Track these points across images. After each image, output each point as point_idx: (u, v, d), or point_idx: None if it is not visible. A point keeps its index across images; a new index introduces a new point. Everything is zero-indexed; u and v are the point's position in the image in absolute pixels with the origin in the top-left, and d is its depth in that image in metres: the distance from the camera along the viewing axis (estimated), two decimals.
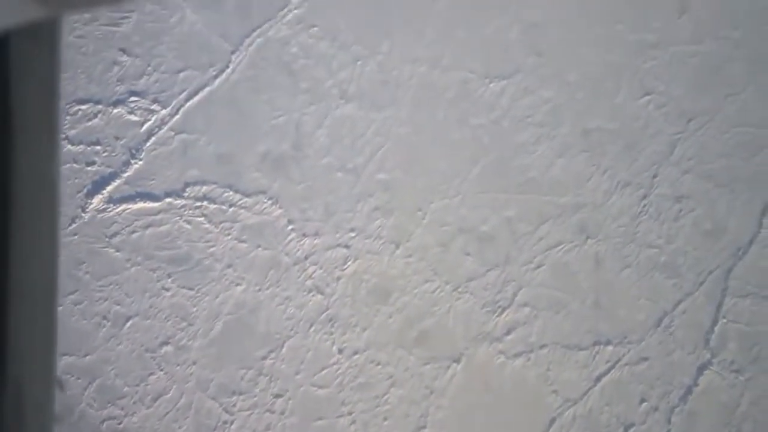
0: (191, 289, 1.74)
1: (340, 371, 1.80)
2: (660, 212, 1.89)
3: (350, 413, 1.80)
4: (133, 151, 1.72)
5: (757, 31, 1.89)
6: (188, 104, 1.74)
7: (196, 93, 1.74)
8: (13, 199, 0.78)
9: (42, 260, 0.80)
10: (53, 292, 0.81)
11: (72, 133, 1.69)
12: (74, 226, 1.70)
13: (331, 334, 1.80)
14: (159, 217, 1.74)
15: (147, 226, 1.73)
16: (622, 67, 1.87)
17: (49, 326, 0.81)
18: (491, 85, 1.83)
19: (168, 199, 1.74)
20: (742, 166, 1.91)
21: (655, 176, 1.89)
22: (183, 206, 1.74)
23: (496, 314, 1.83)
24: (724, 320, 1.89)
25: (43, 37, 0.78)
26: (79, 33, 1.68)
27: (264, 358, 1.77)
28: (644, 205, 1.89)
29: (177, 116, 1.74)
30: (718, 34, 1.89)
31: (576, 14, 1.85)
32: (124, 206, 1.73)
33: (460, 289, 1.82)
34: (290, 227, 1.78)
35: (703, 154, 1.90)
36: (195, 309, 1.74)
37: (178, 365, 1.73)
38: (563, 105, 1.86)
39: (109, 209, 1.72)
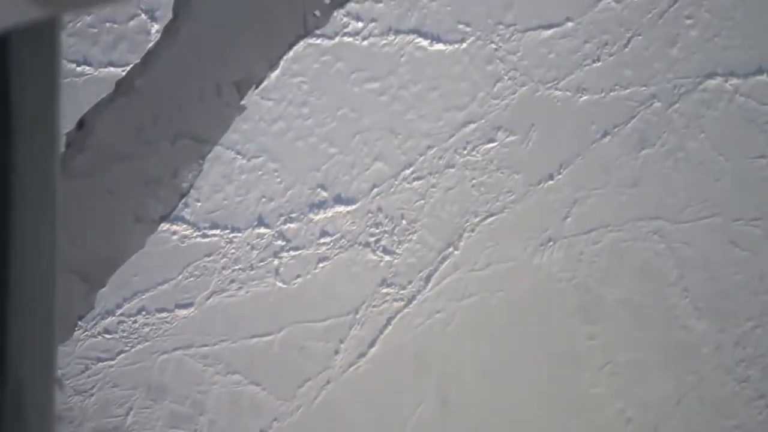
0: None
1: None
2: None
3: None
4: None
5: None
6: None
7: None
8: (13, 199, 0.78)
9: (42, 260, 0.80)
10: (53, 292, 0.81)
11: None
12: None
13: None
14: None
15: None
16: None
17: (49, 326, 0.81)
18: None
19: None
20: None
21: None
22: None
23: None
24: None
25: (43, 37, 0.78)
26: None
27: None
28: None
29: None
30: None
31: None
32: None
33: None
34: None
35: None
36: None
37: None
38: None
39: None
